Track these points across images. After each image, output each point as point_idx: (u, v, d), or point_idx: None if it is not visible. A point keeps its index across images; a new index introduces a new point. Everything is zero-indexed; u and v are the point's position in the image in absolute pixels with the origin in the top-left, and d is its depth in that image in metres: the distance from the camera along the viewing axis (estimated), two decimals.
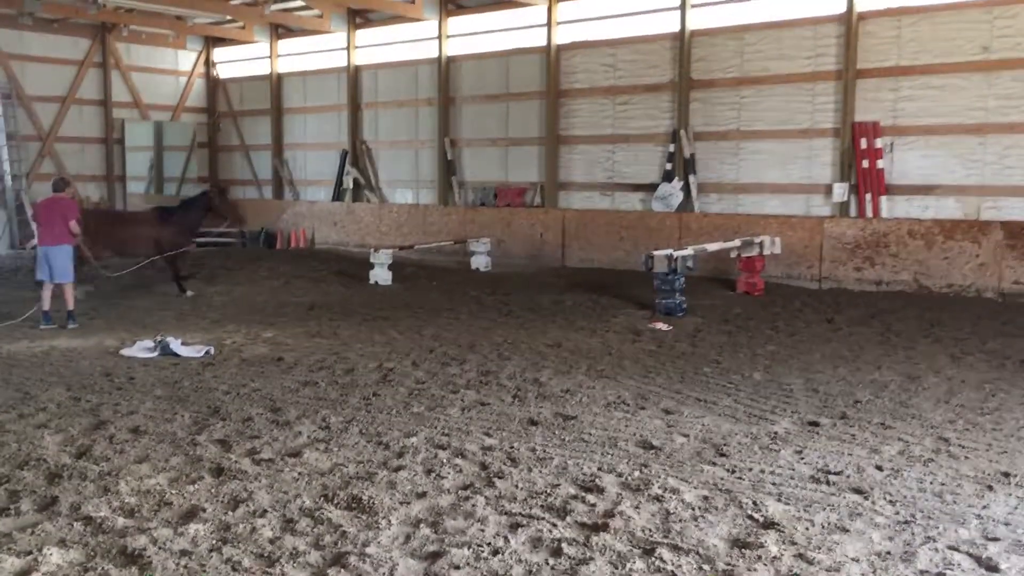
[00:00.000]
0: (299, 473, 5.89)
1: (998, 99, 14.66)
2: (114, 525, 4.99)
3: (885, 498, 5.46)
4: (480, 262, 18.82)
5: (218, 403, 7.78)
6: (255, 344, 10.67)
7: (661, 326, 11.90)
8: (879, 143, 15.65)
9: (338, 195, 23.92)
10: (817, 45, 16.26)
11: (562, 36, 19.54)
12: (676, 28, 17.74)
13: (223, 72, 27.03)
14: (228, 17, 23.77)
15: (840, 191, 16.04)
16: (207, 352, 10.00)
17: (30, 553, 4.59)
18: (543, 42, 19.66)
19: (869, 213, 15.72)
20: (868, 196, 15.74)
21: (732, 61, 17.27)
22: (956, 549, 4.72)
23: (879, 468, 6.05)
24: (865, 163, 15.76)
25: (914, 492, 5.59)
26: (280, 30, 25.00)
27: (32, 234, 22.74)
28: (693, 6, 17.54)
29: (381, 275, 16.47)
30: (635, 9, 18.49)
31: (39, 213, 12.11)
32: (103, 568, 4.46)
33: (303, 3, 22.23)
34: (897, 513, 5.22)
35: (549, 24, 19.47)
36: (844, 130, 15.95)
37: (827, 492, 5.57)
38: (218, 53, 26.96)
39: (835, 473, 5.93)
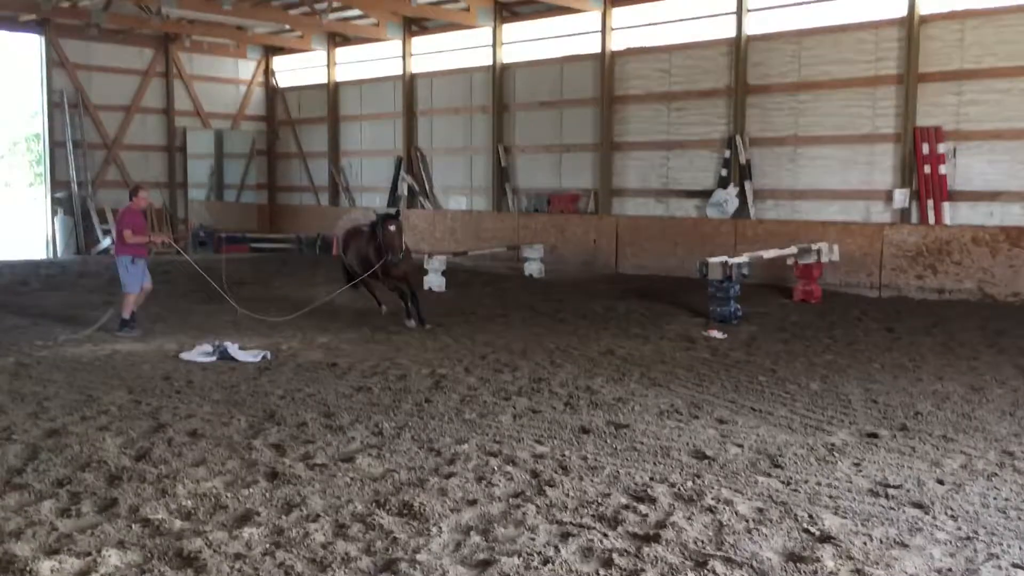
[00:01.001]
0: (351, 478, 5.94)
1: None
2: (171, 527, 5.08)
3: (946, 513, 5.32)
4: (533, 268, 18.82)
5: (274, 407, 7.89)
6: (310, 349, 10.79)
7: (716, 334, 11.77)
8: (941, 148, 15.30)
9: (393, 201, 24.12)
10: (878, 49, 15.96)
11: (616, 42, 19.48)
12: (732, 33, 17.57)
13: (282, 81, 27.48)
14: (287, 26, 24.18)
15: (901, 197, 15.71)
16: (264, 357, 10.14)
17: (89, 554, 4.69)
18: (597, 48, 19.62)
19: (931, 220, 15.37)
20: (930, 202, 15.39)
21: (789, 66, 17.05)
22: (1020, 567, 4.57)
23: (940, 482, 5.89)
24: (927, 168, 15.42)
25: (977, 507, 5.43)
26: (337, 39, 25.34)
27: (96, 240, 23.51)
28: (749, 11, 17.36)
29: (435, 281, 16.56)
30: (690, 15, 18.37)
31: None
32: (160, 570, 4.53)
33: (360, 12, 22.49)
34: (959, 529, 5.08)
35: (604, 30, 19.43)
36: (905, 135, 15.63)
37: (886, 506, 5.45)
38: (277, 62, 27.43)
39: (894, 486, 5.79)
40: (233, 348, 10.26)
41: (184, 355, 10.29)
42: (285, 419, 7.48)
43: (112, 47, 24.28)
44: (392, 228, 12.41)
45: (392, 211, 13.92)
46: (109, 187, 24.34)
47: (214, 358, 10.07)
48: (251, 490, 5.70)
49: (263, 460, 6.35)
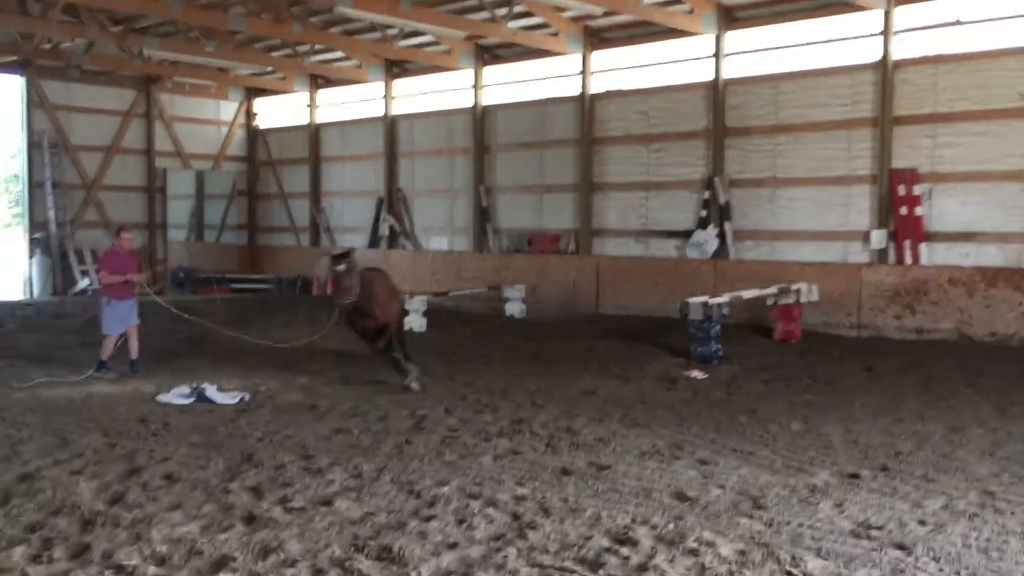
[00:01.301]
0: (330, 522, 5.85)
1: None
2: (145, 573, 4.98)
3: (928, 554, 5.30)
4: (514, 309, 18.82)
5: (251, 450, 7.79)
6: (289, 391, 10.70)
7: (696, 374, 11.78)
8: (917, 190, 15.50)
9: (374, 242, 24.13)
10: (853, 93, 16.22)
11: (596, 85, 19.69)
12: (710, 77, 17.82)
13: (263, 122, 27.57)
14: (269, 68, 24.30)
15: (878, 238, 15.87)
16: (242, 399, 10.04)
17: None
18: (578, 91, 19.84)
19: (908, 260, 15.52)
20: (907, 243, 15.55)
21: (767, 109, 17.28)
22: None
23: (922, 523, 5.88)
24: (903, 210, 15.61)
25: (959, 548, 5.42)
26: (319, 80, 25.49)
27: (73, 281, 23.31)
28: (727, 55, 17.62)
29: (416, 321, 16.51)
30: (669, 58, 18.63)
31: None
32: None
33: (342, 54, 22.66)
34: (941, 570, 5.06)
35: (584, 73, 19.65)
36: (882, 177, 15.84)
37: (868, 547, 5.42)
38: (259, 103, 27.54)
39: (876, 528, 5.78)
40: (211, 390, 10.16)
41: (161, 397, 10.18)
42: (263, 462, 7.38)
43: (93, 88, 24.30)
44: (340, 268, 10.72)
45: (342, 249, 12.20)
46: (88, 228, 24.23)
47: (192, 400, 9.97)
48: (227, 535, 5.60)
49: (240, 504, 6.25)
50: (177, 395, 10.16)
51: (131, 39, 20.27)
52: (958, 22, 15.20)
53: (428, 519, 5.91)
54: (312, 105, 25.89)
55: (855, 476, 7.01)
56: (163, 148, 25.88)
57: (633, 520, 5.89)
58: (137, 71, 23.77)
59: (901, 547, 5.42)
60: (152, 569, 5.04)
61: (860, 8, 15.57)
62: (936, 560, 5.21)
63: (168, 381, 11.05)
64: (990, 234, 14.95)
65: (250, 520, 5.89)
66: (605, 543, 5.47)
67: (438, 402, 9.93)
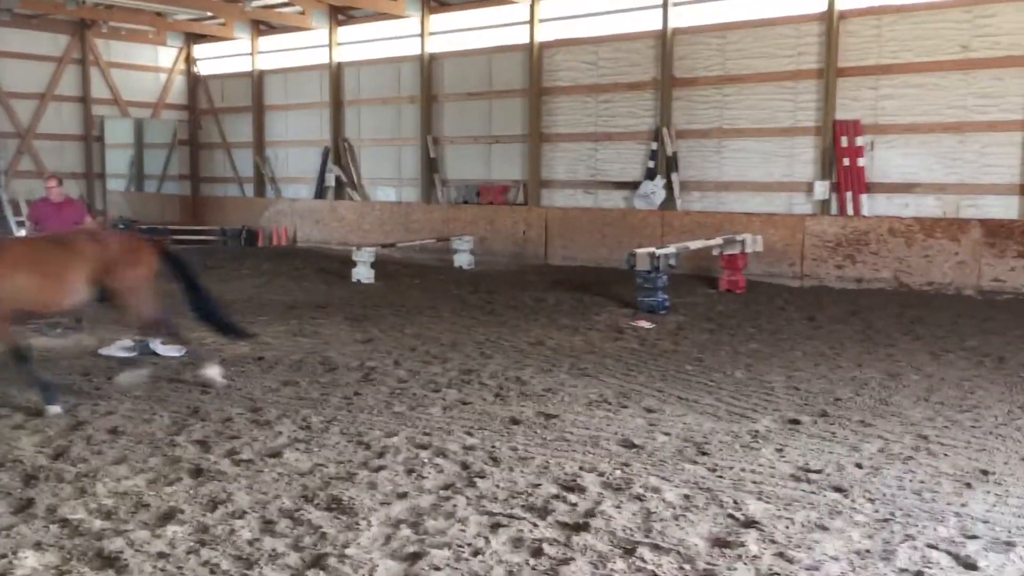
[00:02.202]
0: (279, 474, 5.85)
1: (977, 98, 14.77)
2: (91, 527, 4.94)
3: (865, 496, 5.48)
4: (463, 260, 18.79)
5: (197, 403, 7.72)
6: (235, 343, 10.58)
7: (643, 324, 11.91)
8: (860, 141, 15.74)
9: (320, 193, 23.84)
10: (799, 44, 16.33)
11: (544, 33, 19.53)
12: (658, 26, 17.78)
13: (204, 69, 26.87)
14: (209, 13, 23.62)
15: (821, 189, 16.12)
16: (187, 351, 9.90)
17: (4, 556, 4.53)
18: (526, 39, 19.66)
19: (850, 211, 15.80)
20: (849, 194, 15.82)
21: (714, 59, 17.32)
22: (935, 547, 4.74)
23: (859, 466, 6.07)
24: (846, 161, 15.84)
25: (893, 490, 5.61)
26: (261, 27, 24.88)
27: (9, 231, 22.68)
28: (675, 4, 17.59)
29: (363, 273, 16.42)
30: (617, 7, 18.52)
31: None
32: (79, 571, 4.41)
33: (284, 0, 22.11)
34: (876, 511, 5.24)
35: (532, 21, 19.47)
36: (825, 128, 16.03)
37: (807, 490, 5.59)
38: (199, 50, 26.81)
39: (815, 471, 5.95)
40: (155, 342, 9.99)
41: (104, 351, 10.01)
42: (210, 415, 7.33)
43: (25, 33, 23.42)
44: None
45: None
46: (23, 177, 23.52)
47: (135, 353, 9.81)
48: (174, 488, 5.57)
49: (187, 457, 6.21)
50: (120, 347, 10.00)
51: None
52: None
53: (378, 470, 5.93)
54: (254, 52, 25.28)
55: (795, 422, 7.19)
56: (100, 95, 25.12)
57: (581, 468, 5.99)
58: (71, 15, 22.92)
59: (839, 489, 5.60)
60: (98, 523, 5.00)
61: None
62: (872, 502, 5.39)
63: (111, 334, 10.87)
64: (929, 185, 15.28)
65: (197, 473, 5.87)
66: (553, 490, 5.55)
67: (387, 354, 9.92)
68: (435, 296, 14.69)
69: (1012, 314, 12.56)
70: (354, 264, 16.52)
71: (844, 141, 15.82)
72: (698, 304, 13.59)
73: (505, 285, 15.85)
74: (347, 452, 6.34)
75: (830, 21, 15.79)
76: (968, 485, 5.69)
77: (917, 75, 15.22)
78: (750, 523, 5.02)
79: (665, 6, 17.59)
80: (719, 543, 4.76)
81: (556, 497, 5.44)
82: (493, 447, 6.46)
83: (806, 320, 12.35)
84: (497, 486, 5.63)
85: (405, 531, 4.91)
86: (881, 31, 15.50)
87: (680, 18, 17.65)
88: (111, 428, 6.92)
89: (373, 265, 16.57)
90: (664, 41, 17.68)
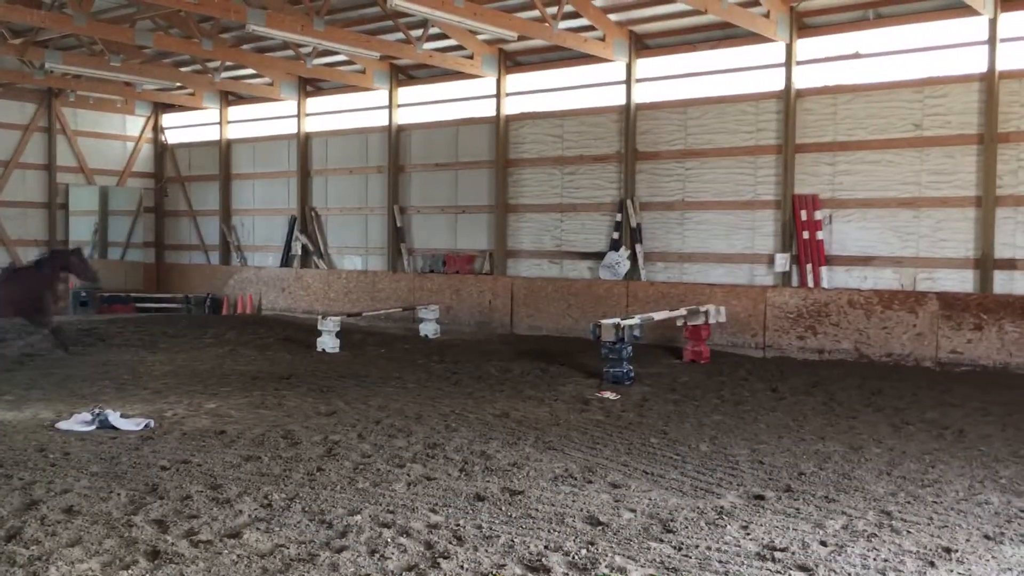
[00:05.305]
0: (238, 556, 5.74)
1: (930, 174, 15.22)
2: None
3: (830, 575, 5.49)
4: (429, 329, 18.77)
5: (156, 480, 7.58)
6: (197, 416, 10.44)
7: (609, 395, 11.94)
8: (818, 215, 16.09)
9: (287, 261, 23.80)
10: (758, 120, 16.78)
11: (511, 107, 19.89)
12: (622, 101, 18.19)
13: (172, 137, 26.95)
14: (178, 84, 23.77)
15: (782, 261, 16.40)
16: (147, 425, 9.75)
17: None
18: (493, 112, 19.99)
19: (810, 283, 16.07)
20: (809, 266, 16.11)
21: (676, 134, 17.72)
22: None
23: (823, 544, 6.08)
24: (805, 234, 16.17)
25: (858, 569, 5.62)
26: (230, 97, 25.08)
27: None
28: (638, 80, 18.03)
29: (328, 342, 16.32)
30: (582, 83, 18.97)
31: None
32: None
33: (254, 71, 22.34)
34: None
35: (499, 95, 19.82)
36: (785, 202, 16.38)
37: (773, 570, 5.58)
38: (167, 118, 26.93)
39: (780, 549, 5.95)
40: (114, 416, 9.83)
41: (61, 424, 9.80)
42: (168, 492, 7.19)
43: None
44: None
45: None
46: None
47: (93, 427, 9.63)
48: (130, 572, 5.44)
49: (144, 538, 6.07)
50: (78, 421, 9.81)
51: (32, 52, 19.57)
52: (857, 55, 15.90)
53: (340, 550, 5.84)
54: (223, 121, 25.43)
55: (760, 497, 7.20)
56: (66, 163, 25.04)
57: (546, 546, 5.94)
58: (39, 84, 22.96)
59: (804, 569, 5.60)
60: None
61: (764, 40, 16.12)
62: None
63: (68, 407, 10.68)
64: (886, 258, 15.61)
65: (154, 555, 5.73)
66: (518, 571, 5.50)
67: (351, 427, 9.83)
68: (401, 366, 14.63)
69: (970, 386, 12.75)
70: (319, 333, 16.44)
71: (803, 215, 16.16)
72: (663, 375, 13.65)
73: (471, 355, 15.83)
74: (309, 531, 6.24)
75: (788, 99, 16.27)
76: (932, 564, 5.72)
77: (872, 152, 15.68)
78: None
79: (628, 82, 18.03)
80: None
81: None
82: (458, 525, 6.39)
83: (769, 391, 12.45)
84: (461, 567, 5.56)
85: None
86: (837, 109, 15.98)
87: (643, 94, 18.09)
88: (67, 507, 6.76)
89: (338, 334, 16.49)
90: (628, 116, 18.08)
